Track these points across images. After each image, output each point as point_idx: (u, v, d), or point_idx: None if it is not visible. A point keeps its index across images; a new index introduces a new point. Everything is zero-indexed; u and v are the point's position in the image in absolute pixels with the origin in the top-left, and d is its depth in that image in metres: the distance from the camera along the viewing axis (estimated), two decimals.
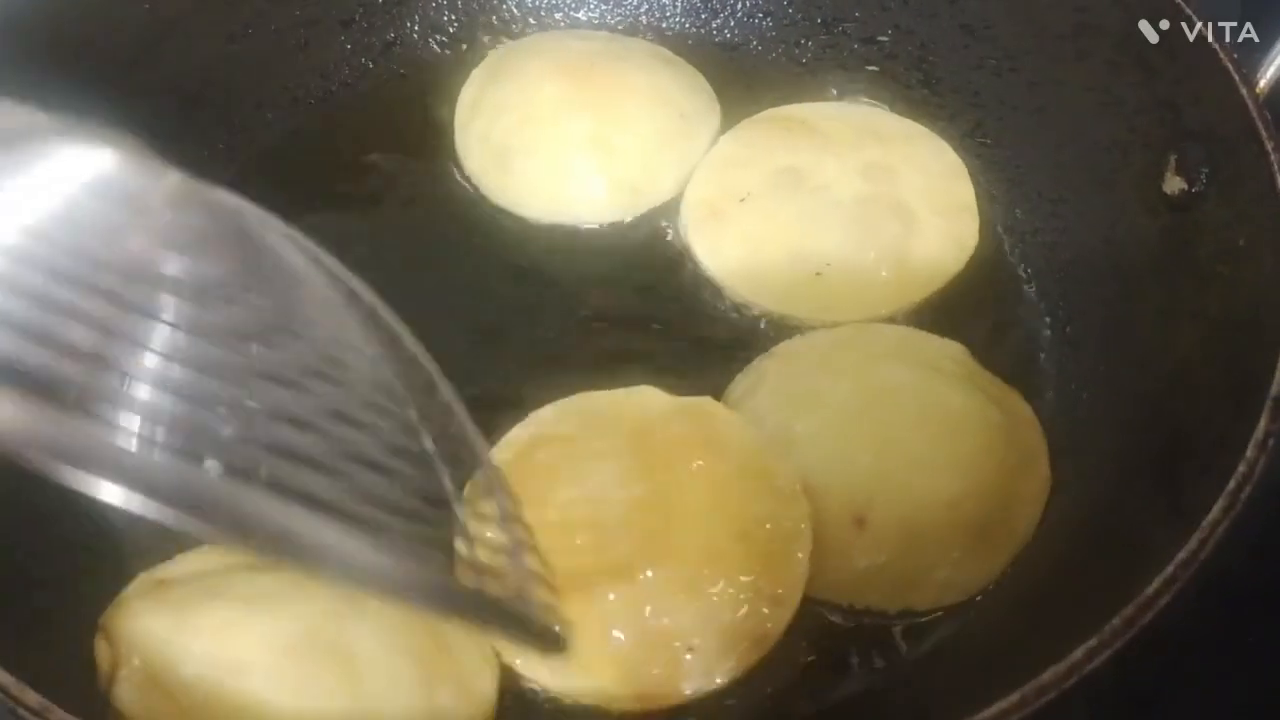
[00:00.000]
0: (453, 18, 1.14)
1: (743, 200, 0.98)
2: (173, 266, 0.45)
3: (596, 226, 1.01)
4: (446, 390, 0.55)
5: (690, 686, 0.75)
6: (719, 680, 0.75)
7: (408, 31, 1.13)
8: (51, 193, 0.44)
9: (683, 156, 1.02)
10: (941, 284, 0.95)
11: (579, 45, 1.08)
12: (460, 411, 0.55)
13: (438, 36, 1.14)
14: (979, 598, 0.80)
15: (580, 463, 0.81)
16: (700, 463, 0.80)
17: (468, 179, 1.04)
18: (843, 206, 0.97)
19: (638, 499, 0.78)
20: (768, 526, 0.77)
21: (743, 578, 0.75)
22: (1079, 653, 0.59)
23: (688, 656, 0.74)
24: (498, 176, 1.02)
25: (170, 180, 0.46)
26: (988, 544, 0.80)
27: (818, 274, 0.94)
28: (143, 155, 0.46)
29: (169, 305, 0.45)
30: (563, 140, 1.01)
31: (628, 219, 1.01)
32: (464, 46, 1.13)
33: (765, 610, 0.76)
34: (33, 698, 0.58)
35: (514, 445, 0.85)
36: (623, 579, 0.75)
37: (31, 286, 0.39)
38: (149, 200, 0.44)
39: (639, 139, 1.01)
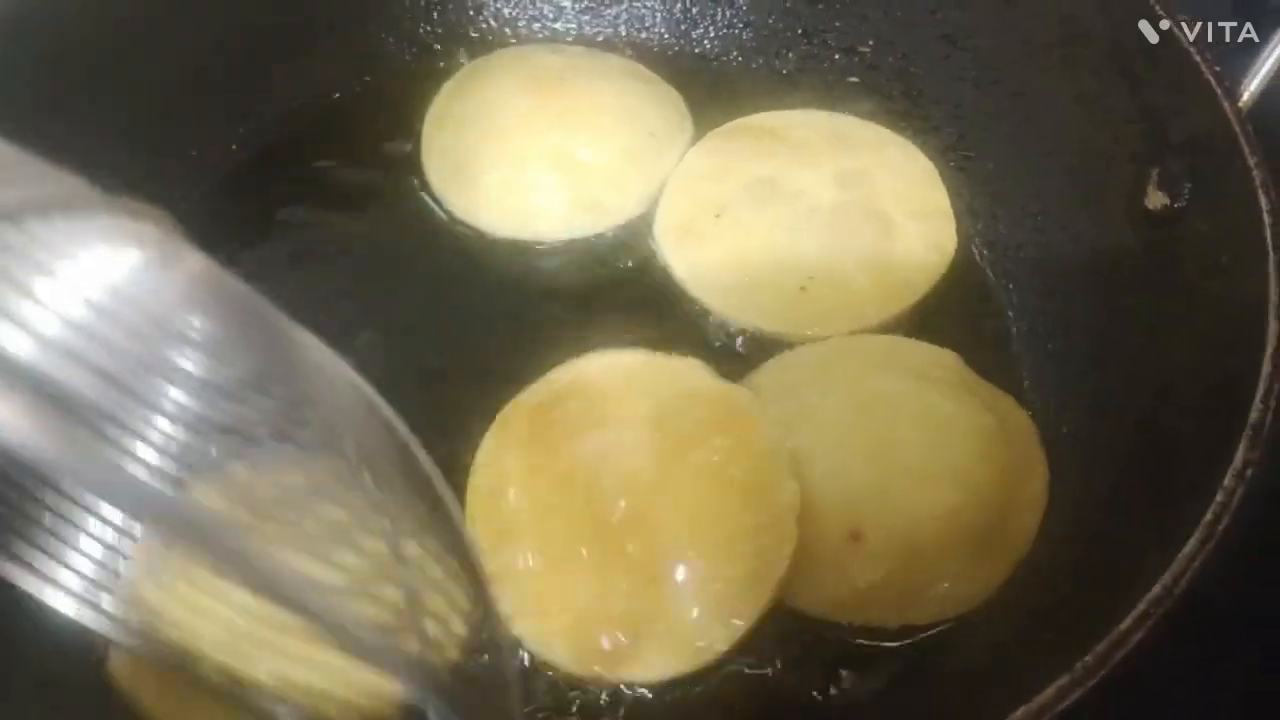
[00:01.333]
0: (429, 29, 1.13)
1: (718, 216, 0.97)
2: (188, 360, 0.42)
3: (560, 241, 0.99)
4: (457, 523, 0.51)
5: (629, 673, 0.75)
6: (653, 677, 0.75)
7: (383, 43, 1.12)
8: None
9: (650, 175, 1.01)
10: (924, 290, 0.94)
11: (551, 59, 1.06)
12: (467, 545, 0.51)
13: (413, 49, 1.13)
14: (970, 620, 0.78)
15: (602, 423, 0.82)
16: (715, 458, 0.80)
17: (430, 192, 1.02)
18: (820, 214, 0.96)
19: (642, 475, 0.79)
20: (750, 545, 0.77)
21: (708, 586, 0.75)
22: (1050, 691, 0.57)
23: (625, 640, 0.75)
24: (458, 190, 1.01)
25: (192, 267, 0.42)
26: (987, 553, 0.79)
27: (802, 288, 0.93)
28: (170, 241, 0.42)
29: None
30: (524, 154, 1.00)
31: (589, 235, 0.99)
32: (440, 60, 1.12)
33: (715, 627, 0.75)
34: None
35: (548, 389, 0.86)
36: (597, 548, 0.76)
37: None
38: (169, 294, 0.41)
39: (604, 155, 1.00)
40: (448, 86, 1.07)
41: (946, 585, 0.78)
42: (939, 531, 0.78)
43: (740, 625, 0.75)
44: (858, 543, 0.77)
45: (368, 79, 1.11)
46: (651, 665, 0.75)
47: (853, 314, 0.92)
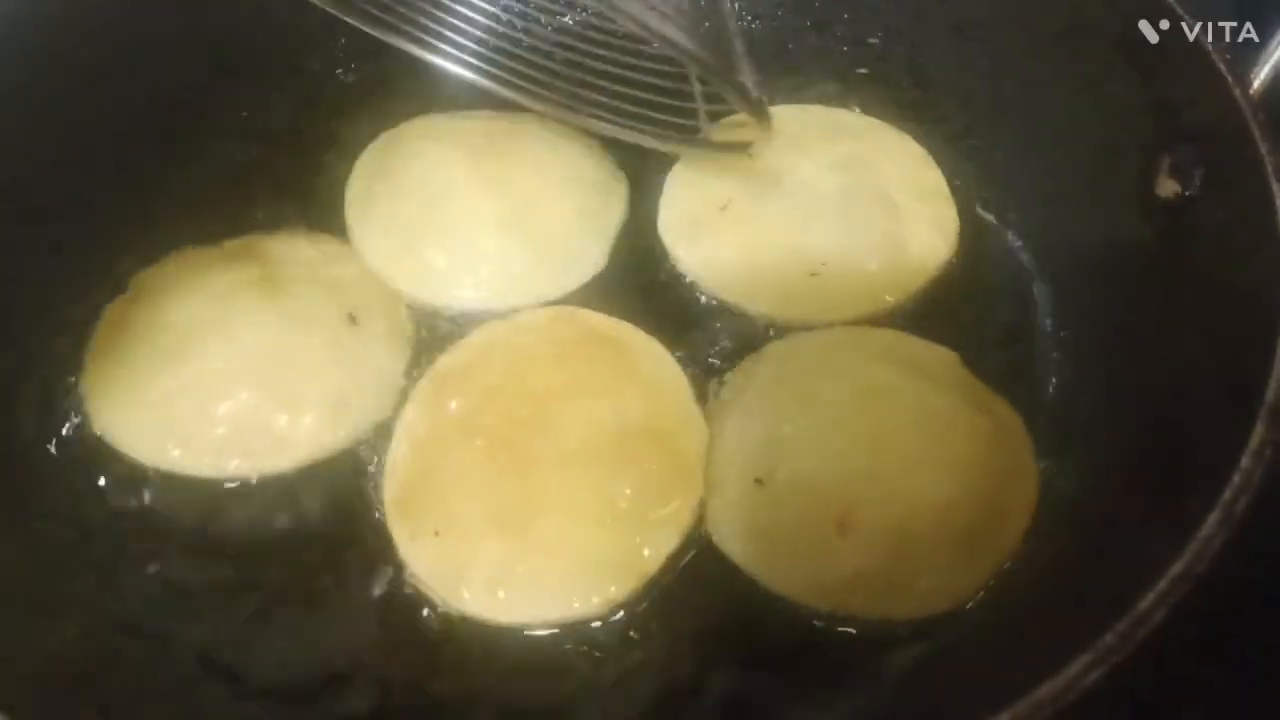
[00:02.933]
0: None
1: (724, 208, 0.97)
2: None
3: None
4: None
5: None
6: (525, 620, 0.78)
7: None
8: None
9: (604, 225, 0.99)
10: (933, 272, 0.94)
11: (471, 125, 1.02)
12: None
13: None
14: (969, 608, 0.79)
15: (511, 376, 0.87)
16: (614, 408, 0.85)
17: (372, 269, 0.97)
18: (828, 200, 0.96)
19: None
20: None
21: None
22: (1074, 668, 0.58)
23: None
24: (407, 268, 0.96)
25: None
26: (974, 552, 0.79)
27: (813, 274, 0.93)
28: None
29: None
30: (477, 224, 0.95)
31: (562, 295, 0.95)
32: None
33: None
34: None
35: (461, 352, 0.90)
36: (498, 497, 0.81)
37: None
38: None
39: (559, 214, 0.97)
40: (364, 162, 1.02)
41: (932, 580, 0.78)
42: (929, 525, 0.78)
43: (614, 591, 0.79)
44: (848, 530, 0.78)
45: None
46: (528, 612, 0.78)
47: (864, 297, 0.93)
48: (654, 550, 0.80)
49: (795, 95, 1.07)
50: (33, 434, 0.85)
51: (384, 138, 1.04)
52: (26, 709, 0.61)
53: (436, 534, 0.80)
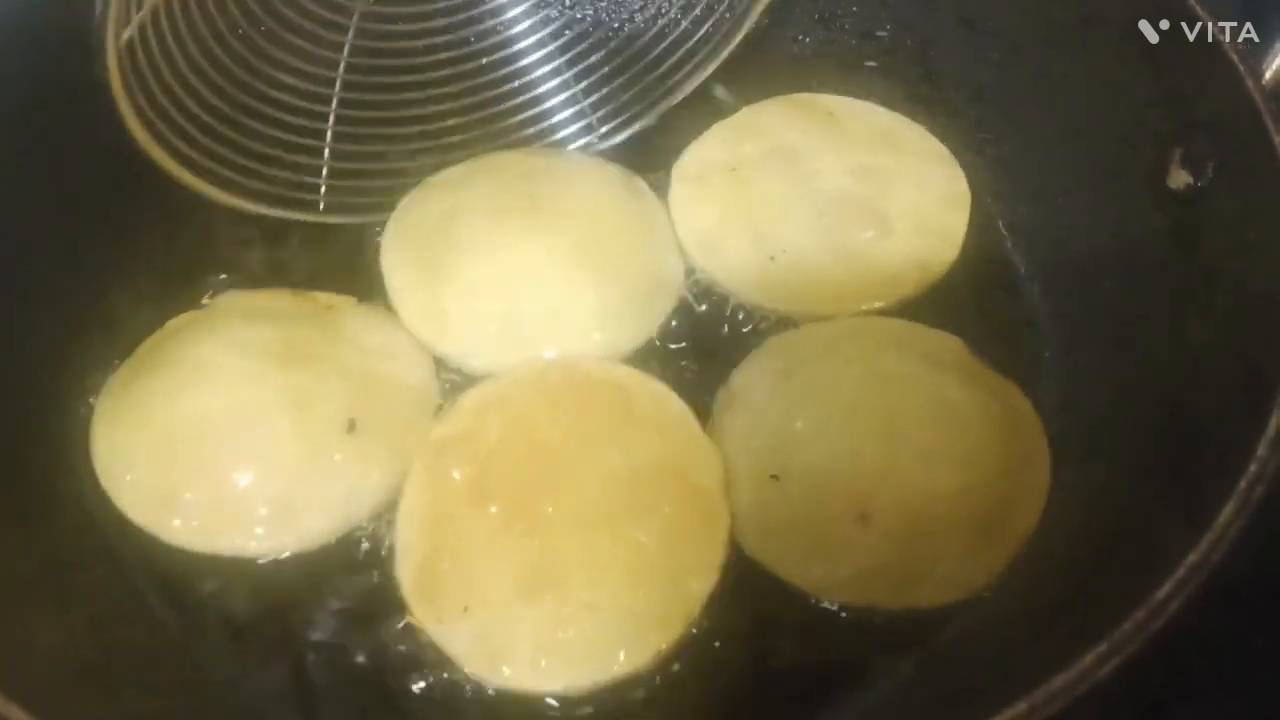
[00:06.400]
0: None
1: (733, 170, 0.98)
2: None
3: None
4: None
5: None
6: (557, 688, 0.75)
7: None
8: None
9: (665, 237, 0.97)
10: (895, 299, 0.93)
11: (523, 163, 0.99)
12: None
13: None
14: (983, 599, 0.78)
15: (511, 436, 0.84)
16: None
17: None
18: (820, 199, 0.96)
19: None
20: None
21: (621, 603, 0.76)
22: (1089, 658, 0.57)
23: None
24: (438, 330, 0.90)
25: None
26: (990, 539, 0.79)
27: (771, 258, 0.94)
28: None
29: None
30: (517, 285, 0.90)
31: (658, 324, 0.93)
32: None
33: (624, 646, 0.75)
34: None
35: (456, 420, 0.86)
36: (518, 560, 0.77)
37: None
38: None
39: (623, 251, 0.93)
40: (404, 203, 0.98)
41: (950, 569, 0.78)
42: (945, 514, 0.78)
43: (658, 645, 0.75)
44: (866, 523, 0.78)
45: None
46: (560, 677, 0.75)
47: (813, 298, 0.92)
48: (694, 591, 0.77)
49: (804, 88, 1.06)
50: (47, 431, 0.85)
51: (419, 189, 0.99)
52: (36, 700, 0.60)
53: (466, 610, 0.76)
